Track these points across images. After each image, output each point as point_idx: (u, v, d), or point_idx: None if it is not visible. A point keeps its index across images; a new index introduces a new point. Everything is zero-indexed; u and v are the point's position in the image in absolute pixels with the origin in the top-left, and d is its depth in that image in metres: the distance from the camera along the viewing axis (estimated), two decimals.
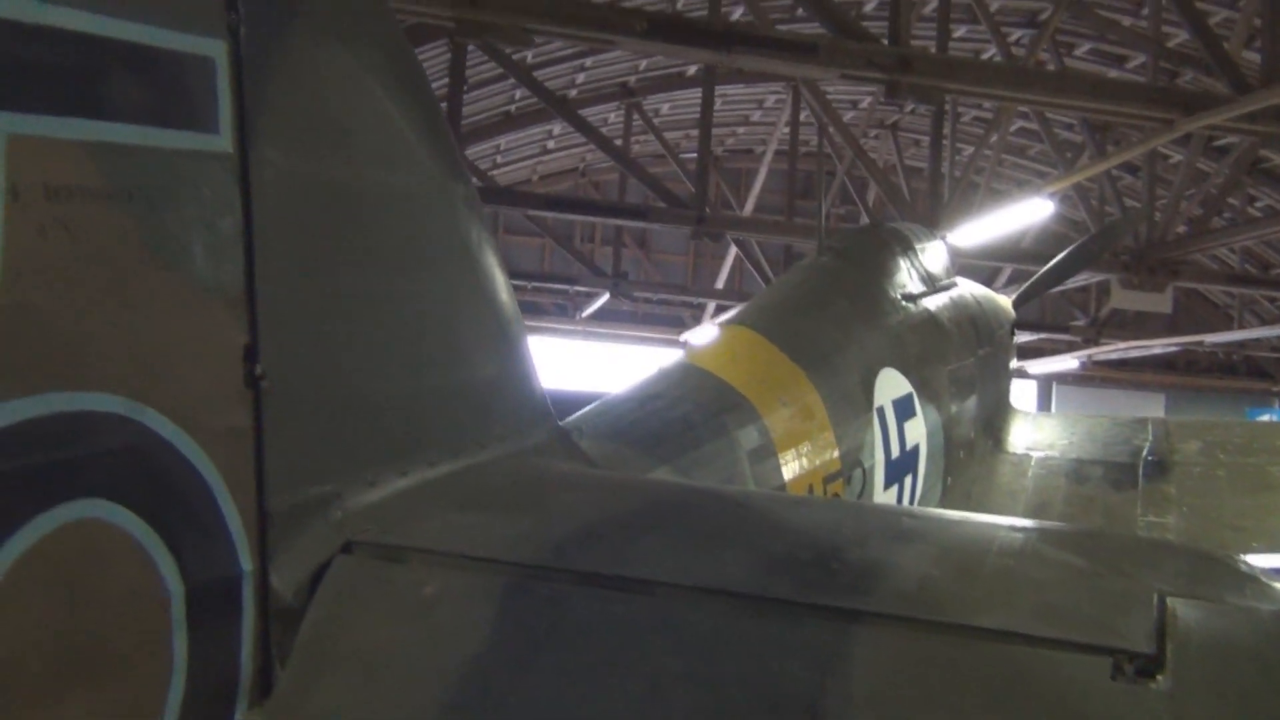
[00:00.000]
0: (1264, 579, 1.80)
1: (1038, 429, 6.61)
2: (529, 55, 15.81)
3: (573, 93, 19.21)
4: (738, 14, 14.59)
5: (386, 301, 2.13)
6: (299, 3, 1.94)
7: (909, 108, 17.15)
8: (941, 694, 1.64)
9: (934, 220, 12.14)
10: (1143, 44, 15.13)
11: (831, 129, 15.77)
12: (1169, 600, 1.68)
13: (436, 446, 2.23)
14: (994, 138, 15.76)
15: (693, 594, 1.81)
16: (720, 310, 22.75)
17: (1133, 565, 1.89)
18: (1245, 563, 1.92)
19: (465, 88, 13.39)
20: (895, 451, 4.75)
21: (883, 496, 4.63)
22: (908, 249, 6.05)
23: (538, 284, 23.49)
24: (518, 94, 18.95)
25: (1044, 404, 28.52)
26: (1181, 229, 16.17)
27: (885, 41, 9.03)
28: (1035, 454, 6.27)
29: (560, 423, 2.88)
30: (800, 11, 13.93)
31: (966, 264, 12.18)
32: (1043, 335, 22.93)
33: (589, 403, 3.82)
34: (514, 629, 1.80)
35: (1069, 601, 1.77)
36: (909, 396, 5.00)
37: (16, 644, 1.41)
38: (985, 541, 2.05)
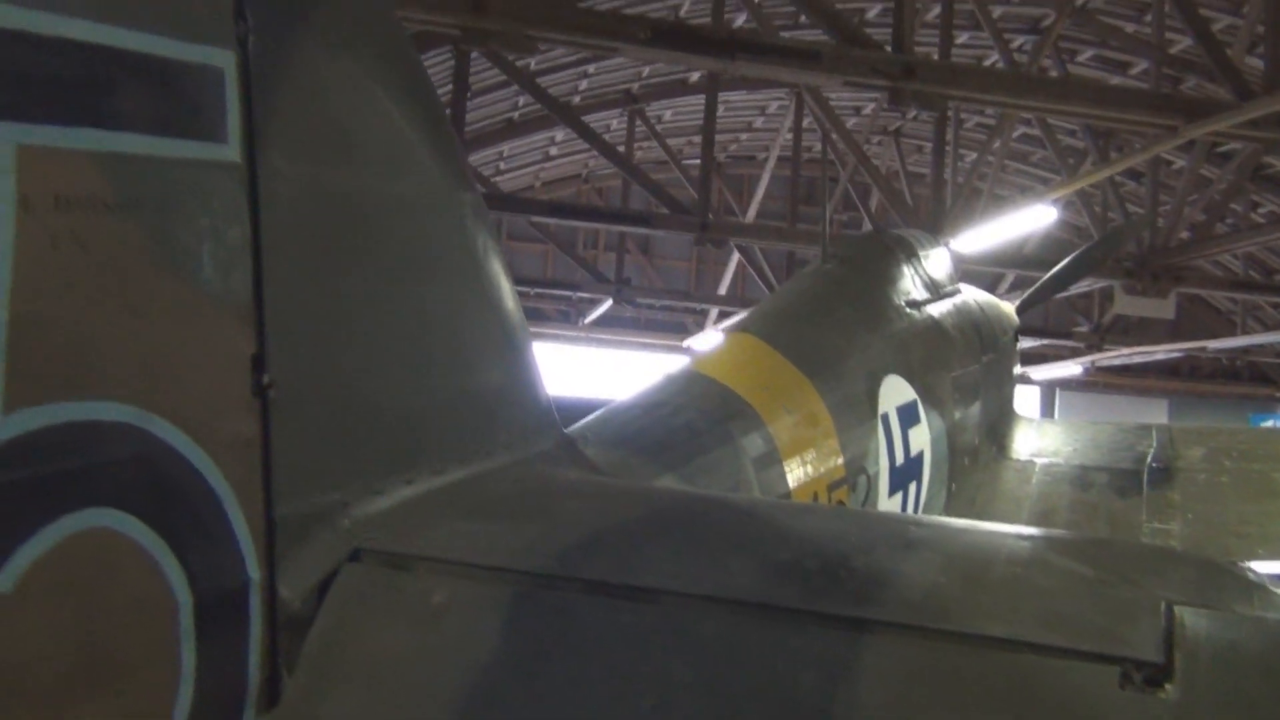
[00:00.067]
0: (1270, 588, 1.80)
1: (1041, 435, 6.59)
2: (532, 62, 15.81)
3: (576, 99, 19.26)
4: (741, 21, 14.62)
5: (394, 310, 2.13)
6: (307, 13, 1.95)
7: (911, 114, 17.16)
8: (949, 703, 1.64)
9: (937, 227, 12.13)
10: (1145, 50, 15.16)
11: (834, 135, 15.79)
12: (1177, 609, 1.68)
13: (443, 454, 2.23)
14: (997, 144, 15.78)
15: (700, 603, 1.81)
16: (723, 316, 22.78)
17: (1140, 574, 1.89)
18: (1252, 571, 1.92)
19: (469, 94, 13.45)
20: (900, 458, 4.74)
21: (887, 503, 4.62)
22: (911, 256, 6.04)
23: (540, 290, 23.55)
24: (521, 101, 19.00)
25: (1047, 410, 28.53)
26: (1184, 235, 16.16)
27: (888, 48, 9.03)
28: (1039, 460, 6.25)
29: (565, 430, 2.88)
30: (803, 18, 13.94)
31: (970, 270, 12.20)
32: (1046, 341, 22.97)
33: (592, 410, 3.81)
34: (521, 638, 1.80)
35: (1077, 610, 1.76)
36: (913, 403, 5.00)
37: (26, 652, 1.42)
38: (992, 550, 2.04)
